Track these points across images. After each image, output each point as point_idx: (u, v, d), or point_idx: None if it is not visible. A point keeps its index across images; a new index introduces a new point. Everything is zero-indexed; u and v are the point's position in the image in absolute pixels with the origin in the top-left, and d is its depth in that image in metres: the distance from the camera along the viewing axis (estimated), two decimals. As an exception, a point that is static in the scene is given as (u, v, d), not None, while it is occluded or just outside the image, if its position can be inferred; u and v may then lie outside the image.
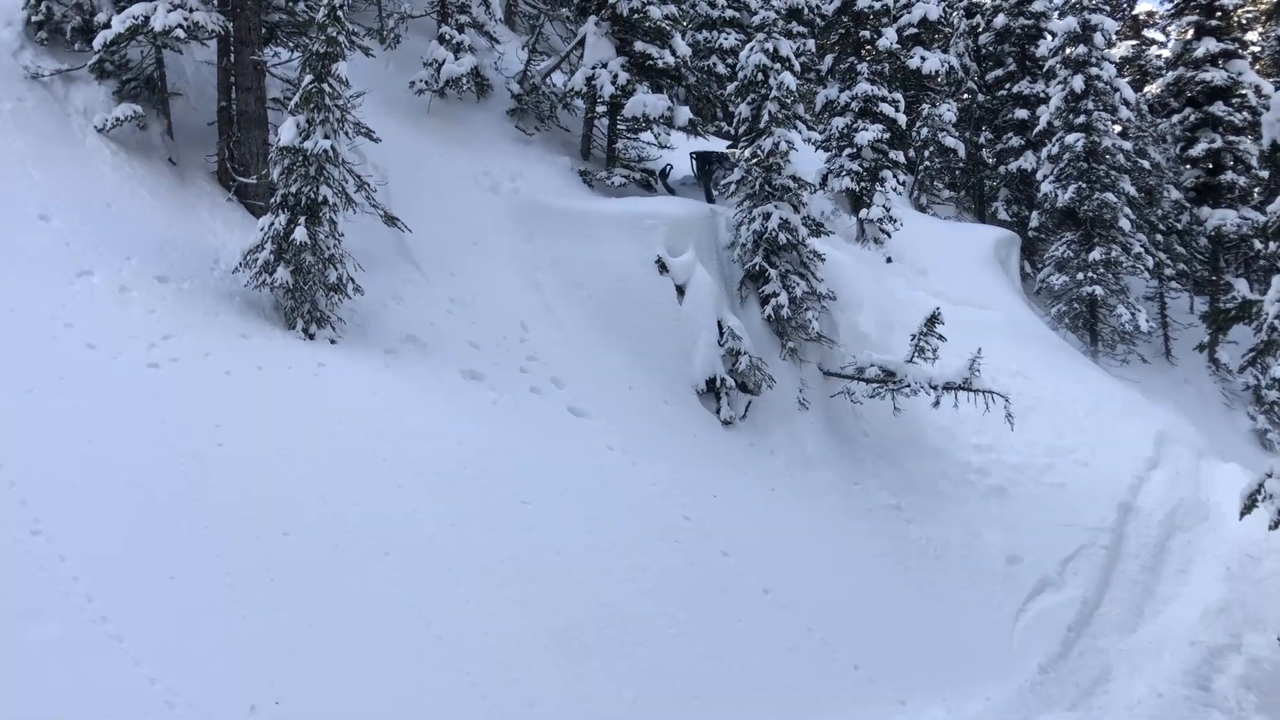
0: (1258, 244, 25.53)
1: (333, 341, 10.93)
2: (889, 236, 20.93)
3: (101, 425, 8.54)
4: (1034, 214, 25.70)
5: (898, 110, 22.65)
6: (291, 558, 8.07)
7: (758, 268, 14.08)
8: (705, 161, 17.06)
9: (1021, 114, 28.23)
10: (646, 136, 16.89)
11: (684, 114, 16.12)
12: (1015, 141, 28.20)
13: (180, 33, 11.43)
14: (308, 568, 8.09)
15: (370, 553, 8.48)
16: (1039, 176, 25.54)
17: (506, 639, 8.34)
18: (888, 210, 21.00)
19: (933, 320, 13.22)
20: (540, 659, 8.35)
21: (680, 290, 13.62)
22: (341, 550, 8.37)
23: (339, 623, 7.75)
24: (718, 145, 18.81)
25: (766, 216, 13.97)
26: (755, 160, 14.04)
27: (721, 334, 13.41)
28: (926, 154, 25.38)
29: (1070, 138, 24.29)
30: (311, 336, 10.84)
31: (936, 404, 13.21)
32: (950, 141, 25.12)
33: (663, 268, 13.66)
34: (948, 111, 25.34)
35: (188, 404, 9.19)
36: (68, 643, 6.71)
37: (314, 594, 7.89)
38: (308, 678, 7.24)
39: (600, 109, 16.68)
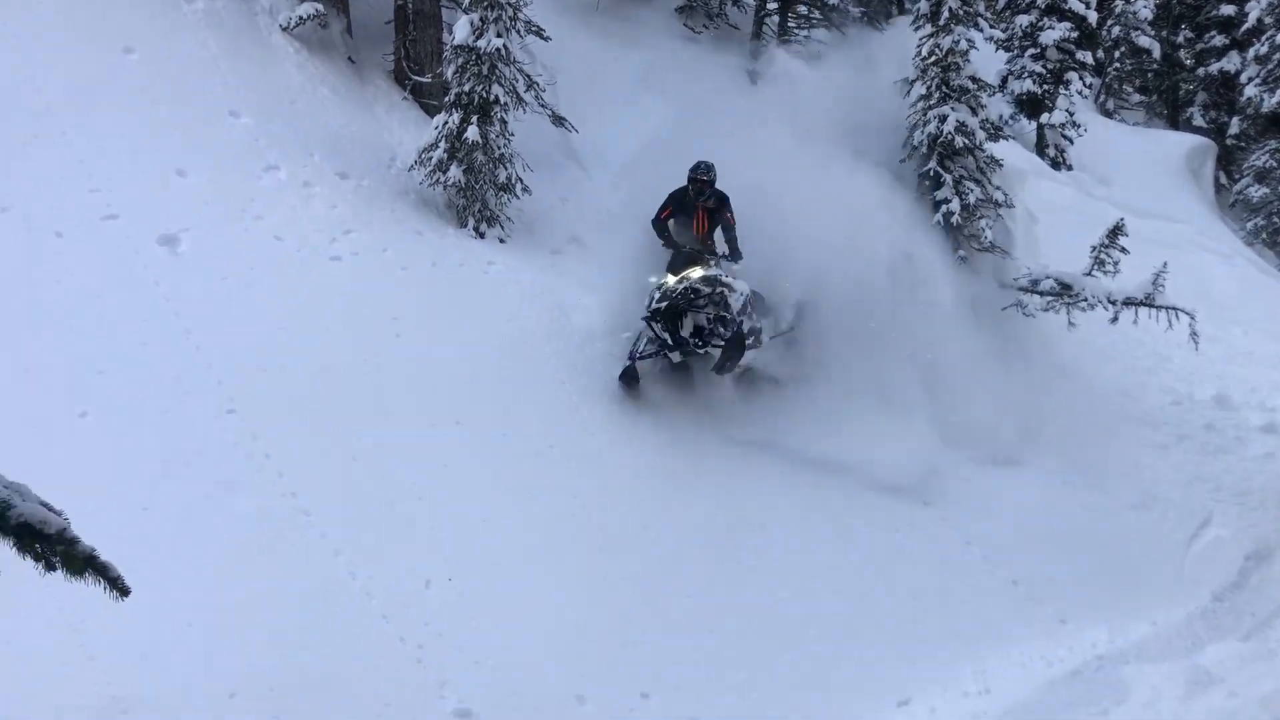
0: None
1: (501, 240, 11.17)
2: (1071, 143, 19.89)
3: (290, 313, 9.01)
4: (1234, 120, 23.97)
5: (1088, 7, 21.29)
6: (465, 449, 8.38)
7: (931, 173, 13.60)
8: None
9: (1227, 10, 26.11)
10: (819, 34, 16.40)
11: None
12: (1218, 40, 26.16)
13: (360, -69, 11.62)
14: (479, 460, 8.39)
15: (539, 450, 8.75)
16: (1243, 79, 23.74)
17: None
18: (1071, 115, 19.91)
19: (1115, 232, 12.54)
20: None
21: (849, 195, 13.29)
22: (509, 443, 8.65)
23: (507, 513, 8.06)
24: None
25: (942, 119, 13.41)
26: (933, 59, 13.46)
27: (891, 241, 13.07)
28: (1117, 55, 23.87)
29: (1281, 36, 22.44)
30: (482, 235, 11.09)
31: (1115, 319, 12.59)
32: (1144, 41, 23.54)
33: (830, 170, 13.33)
34: (1144, 8, 23.68)
35: (368, 296, 9.59)
36: (262, 514, 7.21)
37: (483, 484, 8.21)
38: (478, 557, 7.57)
39: (771, 4, 16.25)
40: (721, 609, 7.92)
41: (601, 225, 12.03)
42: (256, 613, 6.45)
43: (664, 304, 9.56)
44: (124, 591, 3.36)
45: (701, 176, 9.90)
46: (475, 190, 11.04)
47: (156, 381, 7.87)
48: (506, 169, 11.14)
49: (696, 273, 9.68)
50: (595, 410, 9.45)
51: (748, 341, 9.88)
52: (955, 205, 13.39)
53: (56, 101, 9.82)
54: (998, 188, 13.74)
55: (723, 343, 9.69)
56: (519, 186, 11.25)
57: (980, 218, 13.50)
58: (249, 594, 6.55)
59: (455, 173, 10.89)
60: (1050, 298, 13.00)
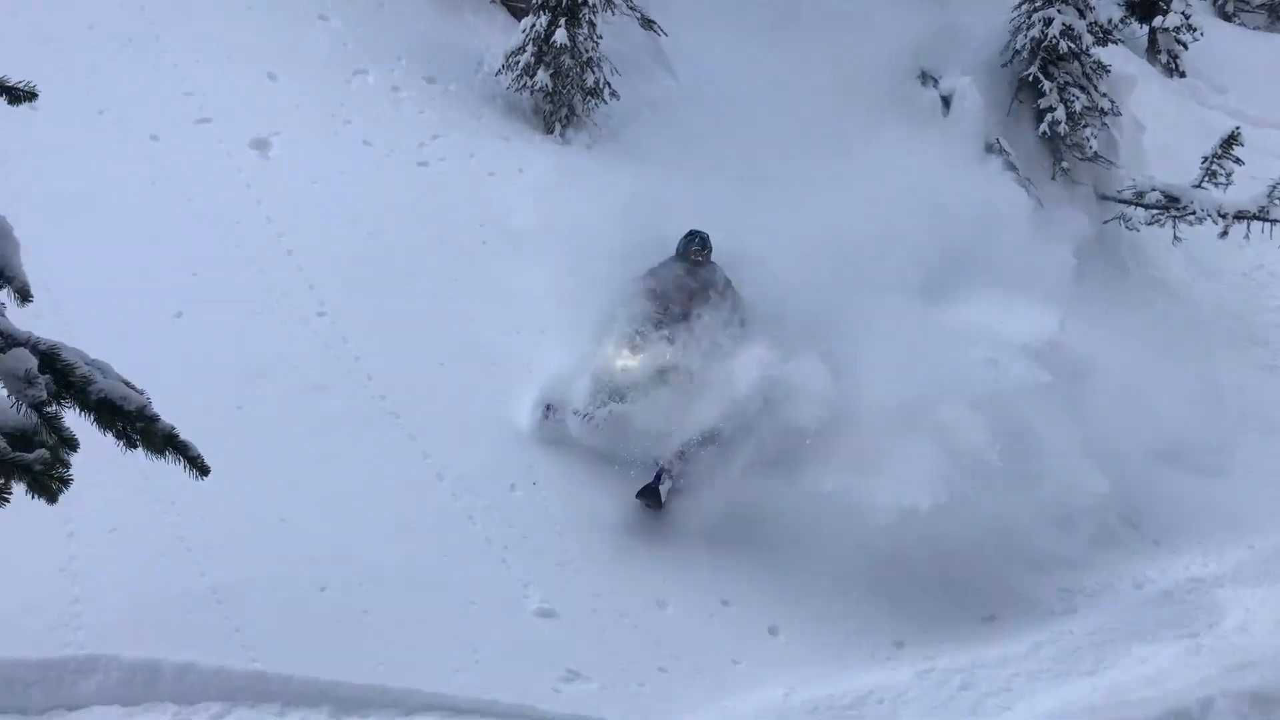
0: None
1: (588, 147, 11.04)
2: (1185, 48, 18.84)
3: (379, 218, 9.05)
4: (1364, 24, 22.49)
5: (1209, -99, 20.05)
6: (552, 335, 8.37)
7: (1033, 79, 13.05)
8: None
9: (1362, -96, 24.38)
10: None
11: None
12: (1350, -62, 24.47)
13: None
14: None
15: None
16: (1375, -20, 22.22)
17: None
18: (1187, 18, 18.85)
19: (1229, 141, 11.97)
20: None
21: (945, 101, 12.86)
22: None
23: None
24: None
25: (1047, 22, 12.82)
26: (1038, -42, 12.82)
27: (989, 150, 12.64)
28: (1239, -46, 22.48)
29: None
30: (568, 141, 10.98)
31: (1224, 234, 12.09)
32: (1269, -61, 22.11)
33: (925, 77, 12.91)
34: (1270, -97, 22.21)
35: (455, 202, 9.59)
36: (351, 415, 7.32)
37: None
38: (561, 465, 7.63)
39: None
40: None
41: (690, 132, 11.81)
42: (346, 510, 6.59)
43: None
44: (203, 470, 3.43)
45: (694, 255, 8.30)
46: (562, 95, 10.90)
47: (249, 284, 7.99)
48: (594, 73, 10.97)
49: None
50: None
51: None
52: (1060, 114, 12.88)
53: (150, 6, 9.89)
54: (1104, 95, 13.16)
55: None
56: (606, 91, 11.07)
57: (1084, 126, 12.97)
58: (339, 492, 6.69)
59: (542, 77, 10.75)
60: (1156, 210, 12.52)
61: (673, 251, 8.44)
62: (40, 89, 8.54)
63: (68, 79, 8.89)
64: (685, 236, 8.35)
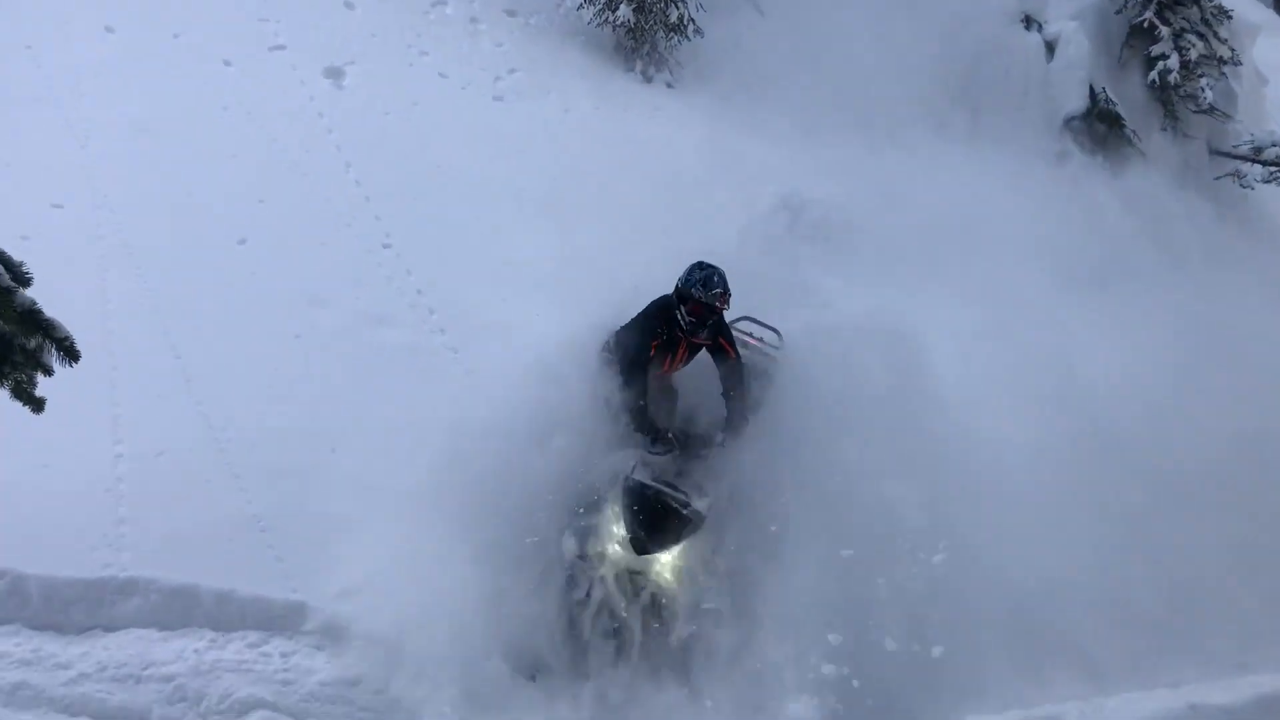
0: None
1: (669, 85, 10.70)
2: (1316, -3, 17.71)
3: (450, 152, 8.85)
4: None
5: None
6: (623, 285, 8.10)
7: (1146, 24, 12.26)
8: None
9: None
10: None
11: None
12: None
13: None
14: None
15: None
16: None
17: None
18: (1320, -34, 17.68)
19: (1361, 95, 11.11)
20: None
21: (1049, 47, 12.16)
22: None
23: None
24: None
25: (1165, -37, 12.03)
26: (1159, -107, 12.01)
27: (1094, 99, 11.93)
28: (1382, -102, 20.94)
29: None
30: (649, 79, 10.64)
31: (1350, 194, 11.28)
32: None
33: (1029, 21, 12.21)
34: None
35: (529, 138, 9.34)
36: (410, 349, 7.16)
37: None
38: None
39: None
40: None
41: (781, 74, 11.36)
42: (401, 440, 6.40)
43: None
44: (74, 356, 3.24)
45: (718, 301, 5.82)
46: (644, 30, 10.55)
47: (315, 212, 7.87)
48: (678, 8, 10.58)
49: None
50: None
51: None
52: (1173, 61, 12.10)
53: (229, -71, 9.77)
54: (1224, 43, 12.32)
55: None
56: (690, 27, 10.68)
57: (1200, 76, 12.17)
58: (391, 425, 6.51)
59: (625, 11, 10.42)
60: (1274, 167, 11.70)
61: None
62: (116, 11, 8.53)
63: (143, 2, 8.83)
64: (699, 274, 5.84)
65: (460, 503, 6.06)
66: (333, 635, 5.31)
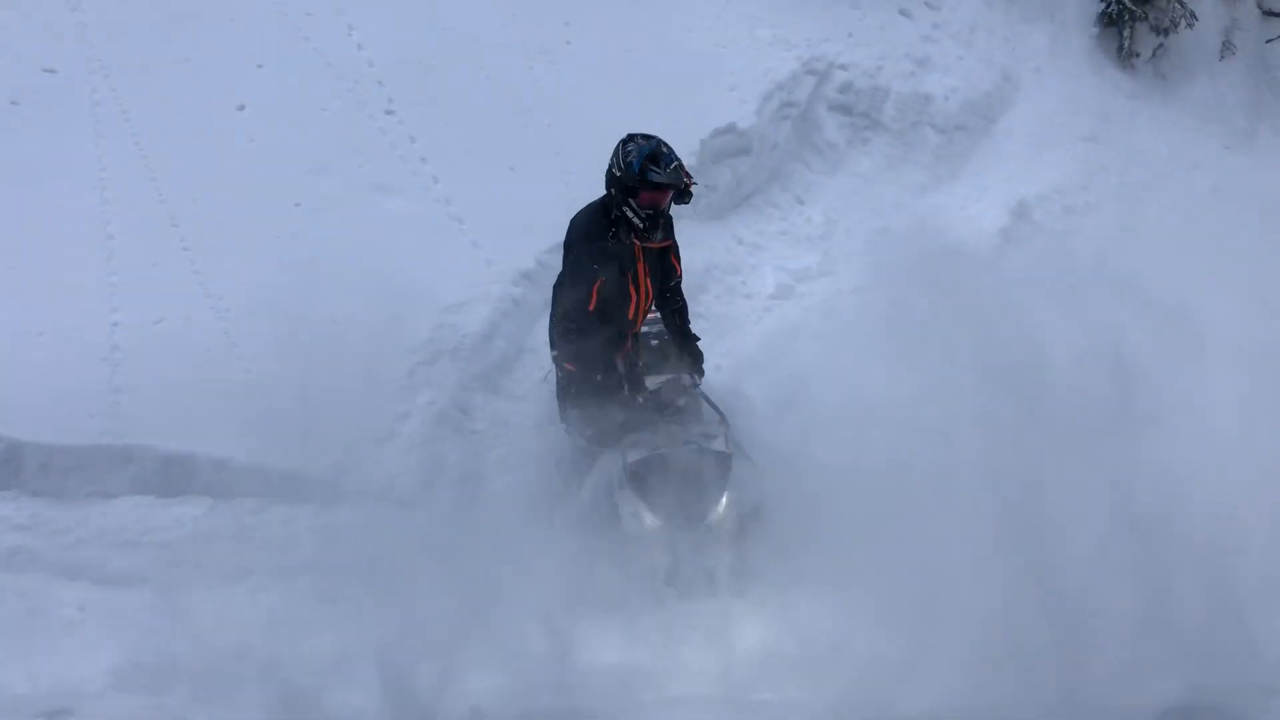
0: None
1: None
2: None
3: (456, 14, 8.50)
4: None
5: None
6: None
7: (1197, -128, 11.49)
8: None
9: None
10: None
11: None
12: None
13: None
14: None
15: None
16: None
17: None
18: None
19: None
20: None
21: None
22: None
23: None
24: None
25: None
26: None
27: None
28: None
29: None
30: (669, -63, 10.14)
31: None
32: None
33: None
34: None
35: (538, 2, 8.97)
36: (415, 218, 6.96)
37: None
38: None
39: None
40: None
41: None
42: (403, 311, 6.25)
43: None
44: None
45: (683, 175, 4.77)
46: (662, -115, 9.99)
47: (316, 78, 7.61)
48: None
49: None
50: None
51: None
52: (1224, -89, 11.39)
53: None
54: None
55: None
56: (709, -119, 10.11)
57: (1253, -72, 11.48)
58: (395, 297, 6.34)
59: None
60: (1329, 28, 11.09)
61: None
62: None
63: None
64: (639, 149, 4.78)
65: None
66: (333, 500, 5.27)
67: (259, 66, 7.52)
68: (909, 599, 4.31)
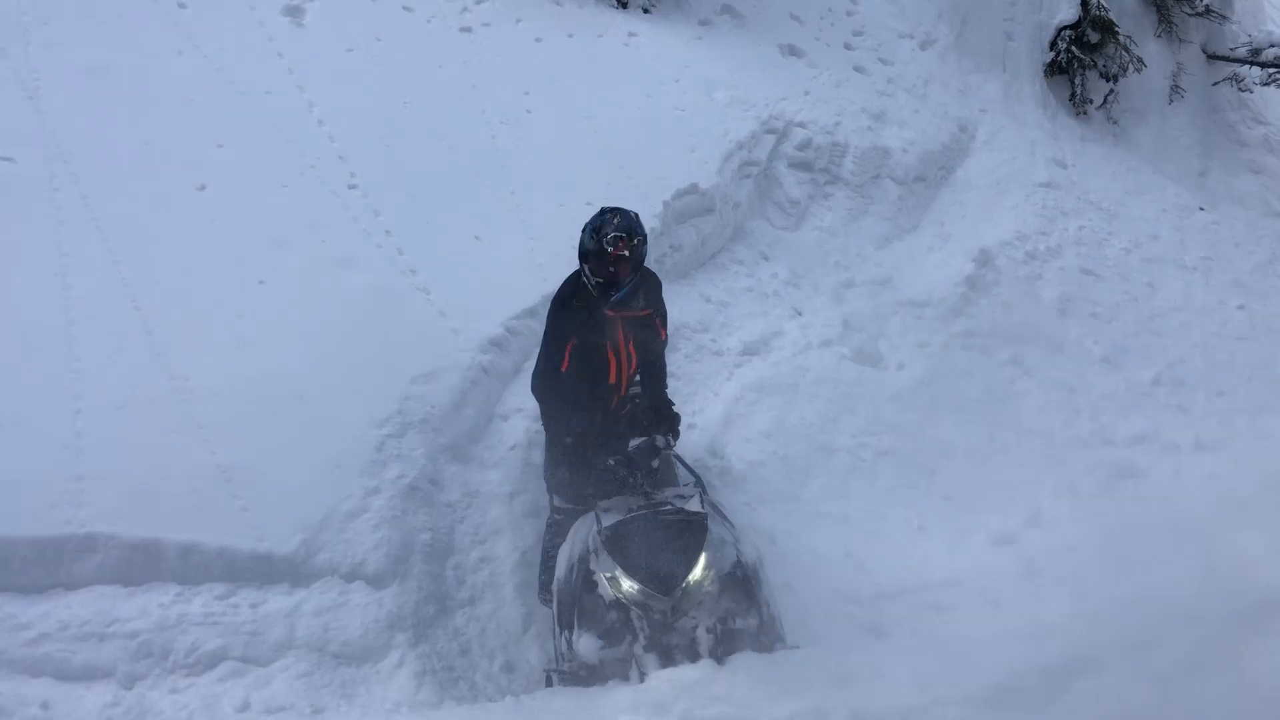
0: None
1: (646, 10, 10.35)
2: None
3: (416, 87, 8.58)
4: None
5: None
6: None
7: (1136, -77, 11.85)
8: None
9: None
10: None
11: None
12: None
13: None
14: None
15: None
16: None
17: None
18: None
19: (1362, -12, 10.71)
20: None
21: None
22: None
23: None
24: None
25: None
26: None
27: (1086, 6, 11.57)
28: None
29: None
30: (624, 4, 10.30)
31: (1351, 92, 10.95)
32: None
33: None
34: None
35: (498, 70, 9.05)
36: (380, 290, 6.90)
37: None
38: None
39: None
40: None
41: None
42: (370, 385, 6.24)
43: None
44: None
45: (619, 244, 4.93)
46: (616, -46, 10.18)
47: (277, 155, 7.61)
48: (652, -73, 10.21)
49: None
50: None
51: None
52: (1165, -40, 11.73)
53: None
54: (1218, -60, 11.95)
55: None
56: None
57: (1195, -24, 11.81)
58: (365, 366, 6.34)
59: (594, -65, 10.04)
60: (1273, 69, 11.38)
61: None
62: (63, -46, 8.06)
63: (91, -56, 8.51)
64: (592, 222, 5.04)
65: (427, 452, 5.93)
66: (303, 580, 5.17)
67: (219, 146, 7.52)
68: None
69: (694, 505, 4.92)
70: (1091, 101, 11.35)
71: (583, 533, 4.94)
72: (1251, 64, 11.52)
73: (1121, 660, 4.55)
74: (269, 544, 5.25)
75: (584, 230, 5.02)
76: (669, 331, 5.49)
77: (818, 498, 6.81)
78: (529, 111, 8.78)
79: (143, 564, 5.06)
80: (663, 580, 4.56)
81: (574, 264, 5.21)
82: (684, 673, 4.20)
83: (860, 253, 9.13)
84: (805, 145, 9.56)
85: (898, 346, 8.12)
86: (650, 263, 7.24)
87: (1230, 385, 8.71)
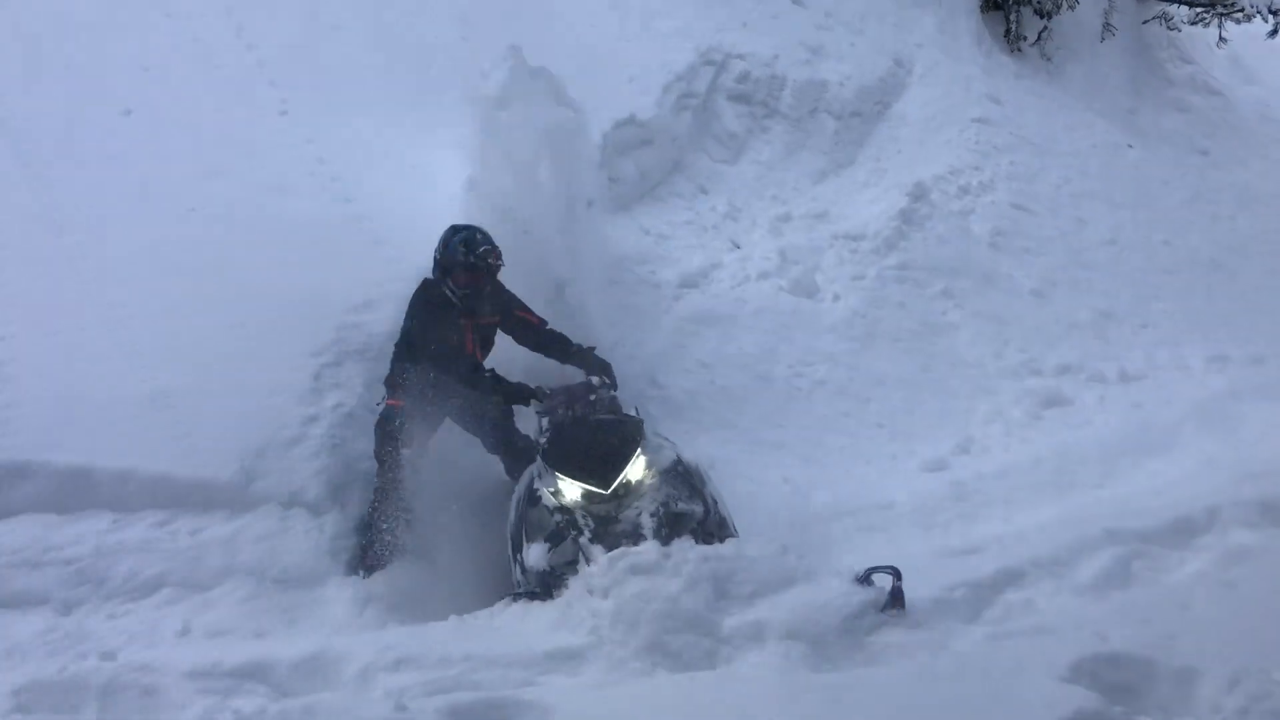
0: None
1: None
2: None
3: (343, 15, 8.38)
4: None
5: None
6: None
7: None
8: None
9: None
10: None
11: None
12: None
13: None
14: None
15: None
16: None
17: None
18: None
19: (1288, -72, 10.90)
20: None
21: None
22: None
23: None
24: None
25: None
26: None
27: None
28: None
29: None
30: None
31: (1274, 33, 11.17)
32: None
33: None
34: None
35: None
36: (314, 219, 6.79)
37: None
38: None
39: None
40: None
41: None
42: (307, 313, 6.16)
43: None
44: None
45: (490, 258, 5.42)
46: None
47: (206, 80, 7.44)
48: None
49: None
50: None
51: None
52: (1097, -104, 11.79)
53: None
54: None
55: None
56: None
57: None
58: (300, 297, 6.25)
59: None
60: (1200, 8, 11.55)
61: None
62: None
63: None
64: (457, 236, 5.49)
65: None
66: (242, 508, 5.15)
67: (145, 69, 7.33)
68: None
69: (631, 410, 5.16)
70: (1025, 38, 11.44)
71: (527, 474, 5.05)
72: (1180, 3, 11.69)
73: (1046, 574, 4.73)
74: (208, 471, 5.22)
75: (446, 246, 5.40)
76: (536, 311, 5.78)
77: (755, 425, 6.91)
78: (465, 39, 8.62)
79: (77, 491, 5.01)
80: (602, 476, 4.72)
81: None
82: (629, 554, 4.28)
83: (797, 187, 9.17)
84: (744, 78, 9.53)
85: (833, 279, 8.21)
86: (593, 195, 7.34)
87: (1154, 318, 8.93)
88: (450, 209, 7.08)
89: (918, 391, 7.56)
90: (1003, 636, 4.22)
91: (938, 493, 6.41)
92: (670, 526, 4.63)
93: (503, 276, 5.64)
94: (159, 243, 6.32)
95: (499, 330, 5.63)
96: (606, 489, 4.70)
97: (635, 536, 4.55)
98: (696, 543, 4.48)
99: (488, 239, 5.40)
